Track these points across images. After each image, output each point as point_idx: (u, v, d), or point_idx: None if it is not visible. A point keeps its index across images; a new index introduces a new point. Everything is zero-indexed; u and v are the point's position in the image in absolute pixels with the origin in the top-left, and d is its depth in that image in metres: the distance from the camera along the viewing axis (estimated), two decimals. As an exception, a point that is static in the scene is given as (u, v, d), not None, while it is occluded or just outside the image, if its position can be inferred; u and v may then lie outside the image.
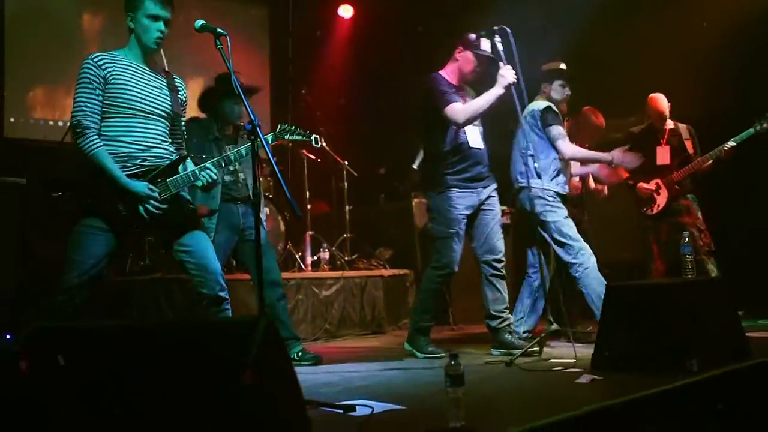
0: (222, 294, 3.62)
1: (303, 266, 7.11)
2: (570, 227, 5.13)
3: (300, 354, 4.79)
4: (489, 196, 5.00)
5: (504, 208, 5.46)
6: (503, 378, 3.97)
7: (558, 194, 5.21)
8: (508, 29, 4.73)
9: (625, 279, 5.05)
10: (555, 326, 4.61)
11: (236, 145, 4.75)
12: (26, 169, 5.50)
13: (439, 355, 4.78)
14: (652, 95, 6.43)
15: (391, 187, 8.73)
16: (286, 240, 6.99)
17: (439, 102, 4.85)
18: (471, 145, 4.93)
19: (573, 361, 4.18)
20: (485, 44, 4.89)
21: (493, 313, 4.91)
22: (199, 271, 3.60)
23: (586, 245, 5.11)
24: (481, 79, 5.01)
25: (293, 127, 3.91)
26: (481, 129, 5.05)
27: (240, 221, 4.85)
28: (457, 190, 4.87)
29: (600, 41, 7.75)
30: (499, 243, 4.96)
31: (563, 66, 5.43)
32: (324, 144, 7.86)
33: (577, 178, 5.89)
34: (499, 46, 4.73)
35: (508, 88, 4.68)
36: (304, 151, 7.57)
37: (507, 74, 4.68)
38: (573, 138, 5.72)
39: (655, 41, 7.36)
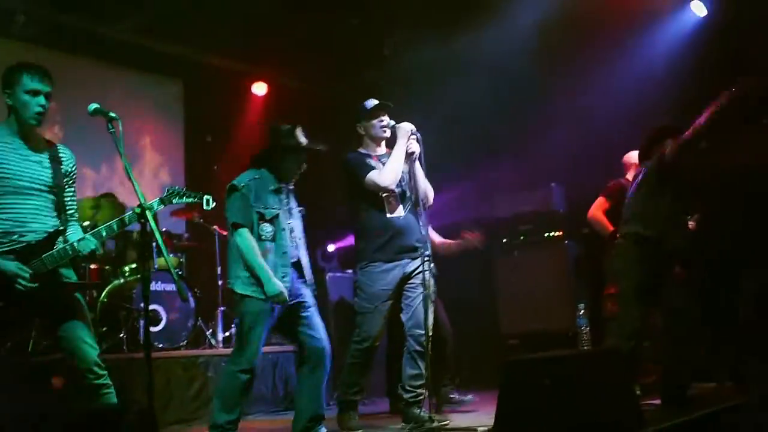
0: (98, 381, 3.52)
1: (213, 342, 7.02)
2: None
3: None
4: (418, 270, 4.87)
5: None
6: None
7: None
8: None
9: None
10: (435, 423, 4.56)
11: (289, 199, 4.52)
12: None
13: None
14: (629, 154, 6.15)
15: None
16: (196, 316, 6.89)
17: (356, 177, 4.91)
18: (389, 215, 4.92)
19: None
20: (369, 102, 5.04)
21: (408, 387, 4.84)
22: (73, 359, 3.53)
23: None
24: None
25: (181, 190, 3.85)
26: (399, 194, 4.98)
27: (292, 287, 4.35)
28: (379, 264, 4.86)
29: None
30: (426, 318, 4.78)
31: None
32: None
33: None
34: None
35: (409, 136, 4.86)
36: (216, 227, 7.54)
37: (404, 126, 4.89)
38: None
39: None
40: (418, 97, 8.05)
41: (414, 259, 4.88)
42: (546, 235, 7.70)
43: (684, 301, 4.86)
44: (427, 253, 4.81)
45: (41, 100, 3.58)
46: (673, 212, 4.89)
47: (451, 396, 5.73)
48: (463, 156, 8.01)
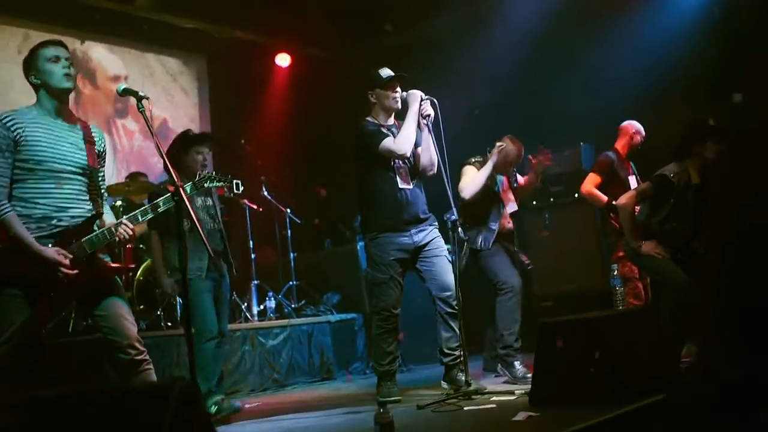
0: (138, 357, 3.53)
1: (249, 316, 7.08)
2: None
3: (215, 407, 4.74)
4: (429, 238, 4.93)
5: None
6: (441, 419, 3.99)
7: None
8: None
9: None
10: (472, 386, 4.55)
11: (199, 193, 4.83)
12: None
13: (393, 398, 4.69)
14: (629, 123, 6.28)
15: (336, 231, 8.77)
16: (231, 291, 6.94)
17: (369, 144, 4.86)
18: (400, 186, 4.91)
19: (511, 398, 4.24)
20: (385, 71, 4.95)
21: (446, 350, 4.88)
22: (114, 335, 3.51)
23: None
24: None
25: (212, 174, 3.89)
26: (409, 167, 4.98)
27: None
28: (388, 234, 4.86)
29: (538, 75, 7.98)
30: (449, 279, 4.85)
31: None
32: (266, 193, 7.92)
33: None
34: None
35: (420, 102, 4.82)
36: (245, 200, 7.57)
37: (413, 92, 4.86)
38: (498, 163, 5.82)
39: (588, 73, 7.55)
40: (439, 62, 8.00)
41: (421, 229, 4.92)
42: (576, 195, 7.64)
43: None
44: (435, 222, 4.97)
45: (65, 63, 3.54)
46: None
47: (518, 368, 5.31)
48: (487, 119, 7.94)
